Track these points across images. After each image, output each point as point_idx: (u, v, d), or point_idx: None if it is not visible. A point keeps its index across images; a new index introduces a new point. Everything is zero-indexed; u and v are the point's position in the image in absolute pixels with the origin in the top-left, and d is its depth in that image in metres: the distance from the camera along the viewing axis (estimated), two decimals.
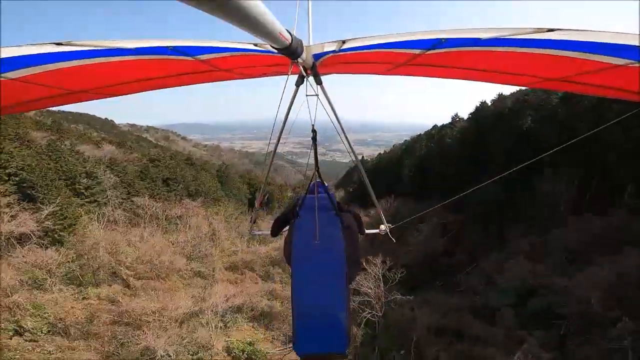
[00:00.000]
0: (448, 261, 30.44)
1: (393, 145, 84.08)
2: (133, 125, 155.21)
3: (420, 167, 41.03)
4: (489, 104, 36.09)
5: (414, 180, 41.00)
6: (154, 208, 29.47)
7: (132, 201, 29.11)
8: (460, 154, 34.89)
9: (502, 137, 30.75)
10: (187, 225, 30.11)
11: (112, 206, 28.15)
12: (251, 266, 29.92)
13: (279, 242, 33.40)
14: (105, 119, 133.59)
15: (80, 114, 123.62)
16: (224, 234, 31.39)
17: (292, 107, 2.91)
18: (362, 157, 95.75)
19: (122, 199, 29.10)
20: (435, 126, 49.75)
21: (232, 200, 39.32)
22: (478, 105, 37.05)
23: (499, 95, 35.66)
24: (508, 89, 36.84)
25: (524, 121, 29.99)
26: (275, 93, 3.08)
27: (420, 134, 54.82)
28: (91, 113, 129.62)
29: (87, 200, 27.49)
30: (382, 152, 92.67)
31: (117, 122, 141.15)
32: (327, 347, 2.36)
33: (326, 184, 3.37)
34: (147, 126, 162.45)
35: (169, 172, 34.00)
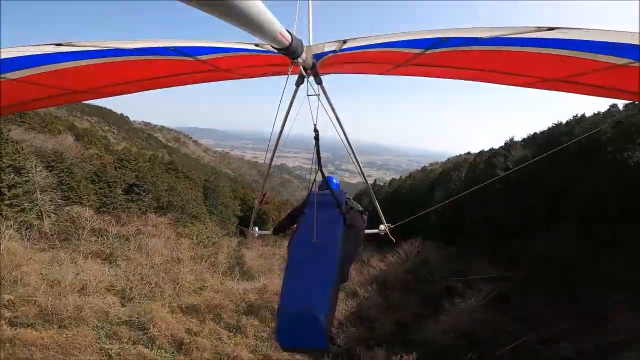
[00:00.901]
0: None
1: (412, 172, 75.32)
2: (147, 124, 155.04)
3: (456, 204, 31.86)
4: (563, 123, 27.24)
5: (445, 219, 31.70)
6: (98, 222, 21.00)
7: (68, 210, 20.73)
8: (518, 193, 25.70)
9: (590, 173, 21.54)
10: (141, 249, 21.40)
11: (36, 213, 19.83)
12: (218, 312, 20.93)
13: (263, 281, 25.18)
14: (121, 114, 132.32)
15: (98, 108, 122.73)
16: (189, 264, 22.46)
17: (292, 107, 2.95)
18: (375, 181, 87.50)
19: (55, 205, 20.76)
20: (481, 152, 40.52)
21: (216, 219, 30.58)
22: (549, 126, 28.25)
23: (575, 116, 26.85)
24: (589, 107, 28.56)
25: (633, 154, 20.42)
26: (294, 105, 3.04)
27: (463, 157, 45.52)
28: (108, 107, 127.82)
29: (7, 202, 19.29)
30: (397, 177, 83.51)
31: (132, 118, 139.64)
32: (308, 342, 2.37)
33: (336, 182, 3.43)
34: (161, 126, 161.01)
35: (136, 177, 25.81)
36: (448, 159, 69.57)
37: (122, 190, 24.63)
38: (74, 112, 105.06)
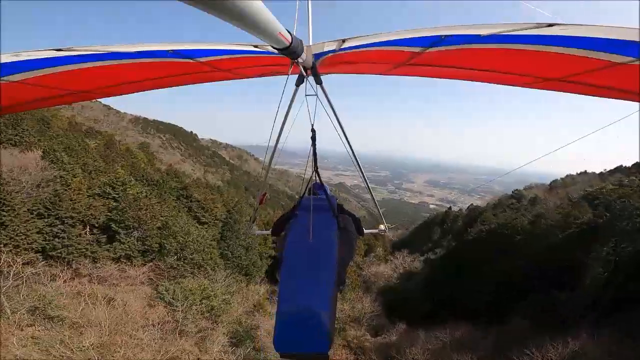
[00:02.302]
0: None
1: (500, 197, 57.76)
2: (214, 141, 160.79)
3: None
4: None
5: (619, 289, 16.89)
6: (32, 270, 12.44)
7: None
8: None
9: None
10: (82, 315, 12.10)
11: None
12: None
13: None
14: (190, 132, 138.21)
15: (171, 126, 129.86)
16: (151, 348, 12.36)
17: (292, 107, 2.92)
18: (449, 207, 71.78)
19: None
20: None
21: (232, 267, 20.69)
22: None
23: None
24: None
25: None
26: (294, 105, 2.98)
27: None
28: (179, 125, 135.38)
29: None
30: (471, 199, 65.97)
31: (200, 136, 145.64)
32: (308, 347, 2.18)
33: (326, 186, 3.29)
34: (226, 143, 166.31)
35: (117, 211, 17.52)
36: (554, 181, 50.55)
37: (95, 229, 16.42)
38: (149, 129, 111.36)
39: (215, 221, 27.04)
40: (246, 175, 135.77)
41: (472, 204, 61.00)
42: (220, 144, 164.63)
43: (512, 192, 52.94)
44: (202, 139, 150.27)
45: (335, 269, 2.43)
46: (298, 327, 2.20)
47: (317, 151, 3.23)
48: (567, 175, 49.94)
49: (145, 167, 36.06)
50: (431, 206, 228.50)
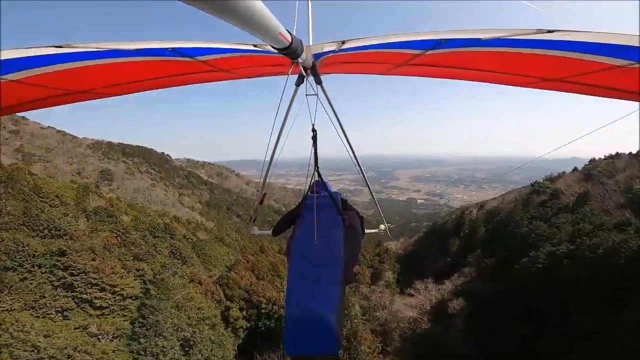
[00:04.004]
0: None
1: (515, 190, 48.55)
2: (190, 160, 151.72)
3: None
4: None
5: None
6: None
7: None
8: None
9: None
10: None
11: None
12: None
13: None
14: (162, 153, 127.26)
15: (139, 148, 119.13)
16: None
17: (292, 107, 2.86)
18: (464, 211, 62.89)
19: None
20: None
21: None
22: None
23: None
24: None
25: None
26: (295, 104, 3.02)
27: None
28: (149, 147, 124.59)
29: None
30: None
31: (174, 156, 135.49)
32: (318, 347, 2.12)
33: (327, 183, 3.21)
34: (203, 162, 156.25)
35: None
36: (590, 164, 40.90)
37: None
38: (112, 154, 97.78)
39: (124, 303, 15.92)
40: (227, 193, 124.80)
41: (484, 203, 51.69)
42: (197, 162, 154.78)
43: (533, 184, 43.95)
44: (177, 159, 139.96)
45: (341, 268, 2.33)
46: (307, 329, 2.11)
47: (313, 152, 3.17)
48: (596, 159, 41.21)
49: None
50: (419, 201, 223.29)
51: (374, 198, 4.24)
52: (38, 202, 26.90)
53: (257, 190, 3.95)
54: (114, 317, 15.88)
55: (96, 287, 17.04)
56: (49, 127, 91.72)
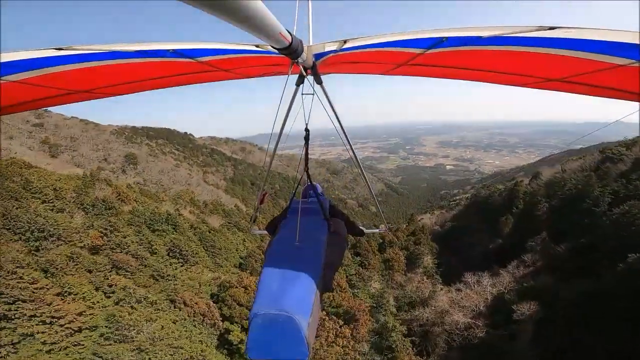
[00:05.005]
0: None
1: (571, 157, 39.81)
2: (213, 138, 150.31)
3: None
4: None
5: None
6: None
7: None
8: None
9: None
10: None
11: None
12: None
13: None
14: (185, 133, 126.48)
15: (162, 129, 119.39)
16: None
17: (293, 107, 2.82)
18: (517, 182, 54.43)
19: None
20: None
21: None
22: None
23: None
24: None
25: None
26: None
27: None
28: (172, 128, 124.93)
29: None
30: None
31: (197, 135, 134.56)
32: (285, 354, 1.89)
33: (317, 186, 3.10)
34: (226, 138, 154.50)
35: None
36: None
37: None
38: (136, 138, 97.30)
39: (73, 338, 11.04)
40: (251, 168, 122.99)
41: (539, 174, 43.20)
42: (220, 139, 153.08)
43: (603, 150, 34.99)
44: (200, 137, 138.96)
45: (320, 273, 2.18)
46: (275, 332, 1.88)
47: (304, 153, 3.22)
48: None
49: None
50: (447, 167, 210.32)
51: (371, 192, 4.18)
52: (29, 199, 23.73)
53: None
54: None
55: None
56: (72, 117, 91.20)
